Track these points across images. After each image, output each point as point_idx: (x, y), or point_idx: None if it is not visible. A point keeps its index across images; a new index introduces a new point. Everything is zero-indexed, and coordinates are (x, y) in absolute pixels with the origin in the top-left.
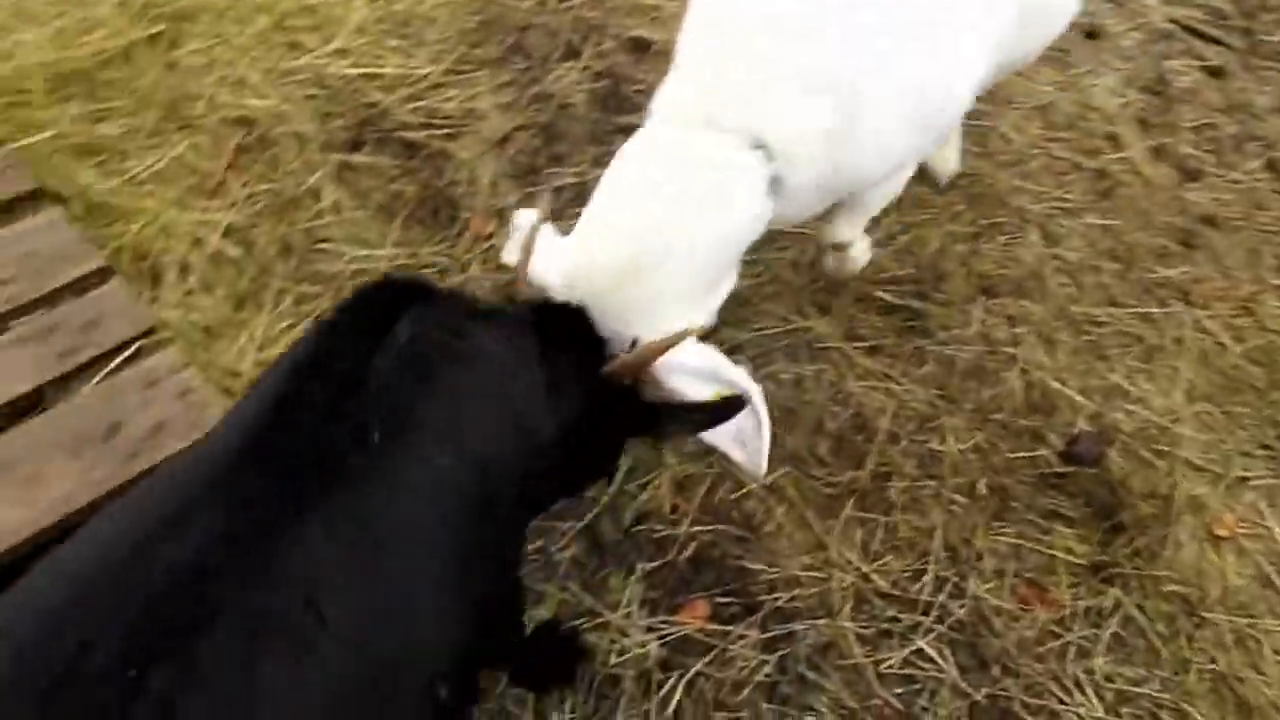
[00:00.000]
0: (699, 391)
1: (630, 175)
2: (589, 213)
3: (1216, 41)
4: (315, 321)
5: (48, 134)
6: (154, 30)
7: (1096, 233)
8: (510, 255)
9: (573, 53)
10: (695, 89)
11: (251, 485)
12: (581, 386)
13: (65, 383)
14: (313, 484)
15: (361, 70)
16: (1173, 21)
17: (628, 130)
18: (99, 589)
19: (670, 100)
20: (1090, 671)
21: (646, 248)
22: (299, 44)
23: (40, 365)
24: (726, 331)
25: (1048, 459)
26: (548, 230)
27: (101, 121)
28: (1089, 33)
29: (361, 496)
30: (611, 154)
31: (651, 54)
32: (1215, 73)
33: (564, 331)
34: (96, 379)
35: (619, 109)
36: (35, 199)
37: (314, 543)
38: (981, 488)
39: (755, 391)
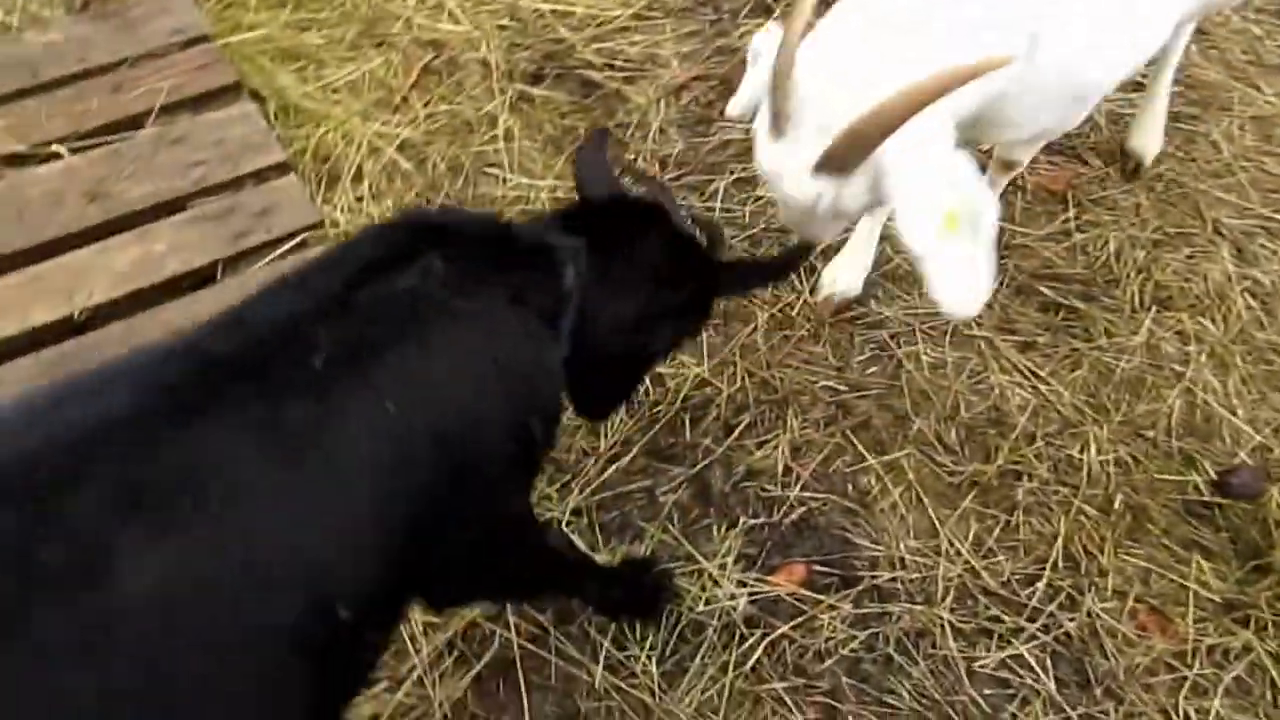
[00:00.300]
0: (923, 196)
1: None
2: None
3: None
4: (333, 245)
5: (256, 34)
6: None
7: None
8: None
9: (764, 8)
10: None
11: (174, 374)
12: (647, 264)
13: (236, 262)
14: (238, 385)
15: (554, 7)
16: None
17: None
18: None
19: None
20: (1204, 712)
21: (876, 71)
22: None
23: (216, 243)
24: (871, 306)
25: (1198, 486)
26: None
27: (306, 31)
28: None
29: (287, 408)
30: None
31: None
32: None
33: (625, 222)
34: (263, 262)
35: None
36: (233, 92)
37: (218, 436)
38: (1118, 504)
39: (993, 215)
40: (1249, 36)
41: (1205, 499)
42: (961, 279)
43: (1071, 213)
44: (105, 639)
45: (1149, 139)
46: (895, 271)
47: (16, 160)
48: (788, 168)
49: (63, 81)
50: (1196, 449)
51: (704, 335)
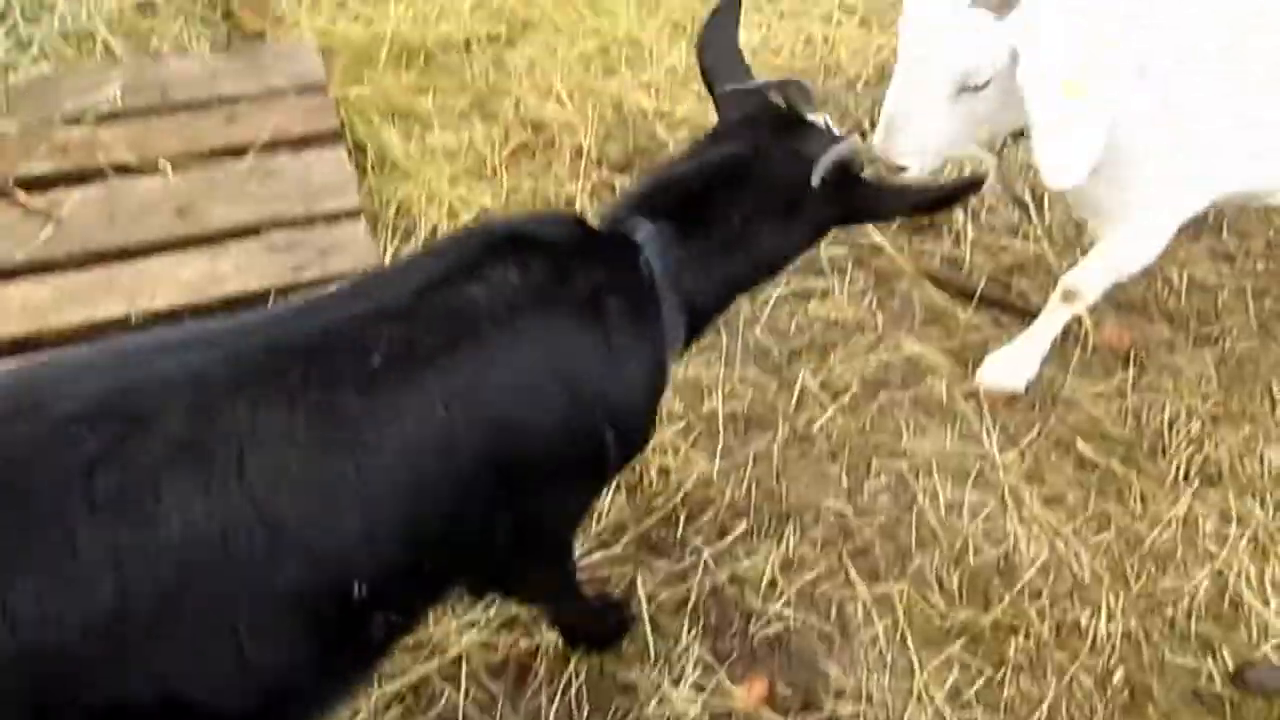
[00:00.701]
0: (1048, 55)
1: None
2: None
3: None
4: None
5: (374, 90)
6: (496, 30)
7: None
8: None
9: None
10: None
11: (246, 347)
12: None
13: (289, 292)
14: (300, 369)
15: (657, 105)
16: None
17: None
18: (88, 366)
19: None
20: None
21: None
22: (613, 69)
23: (277, 271)
24: (906, 441)
25: (1211, 674)
26: None
27: (422, 94)
28: None
29: (340, 397)
30: (855, 240)
31: None
32: None
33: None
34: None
35: None
36: (331, 138)
37: (268, 412)
38: (1117, 678)
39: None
40: None
41: (1217, 690)
42: (1064, 146)
43: (1131, 373)
44: (132, 562)
45: None
46: (929, 398)
47: (124, 169)
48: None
49: (186, 106)
50: (1217, 635)
51: (720, 437)
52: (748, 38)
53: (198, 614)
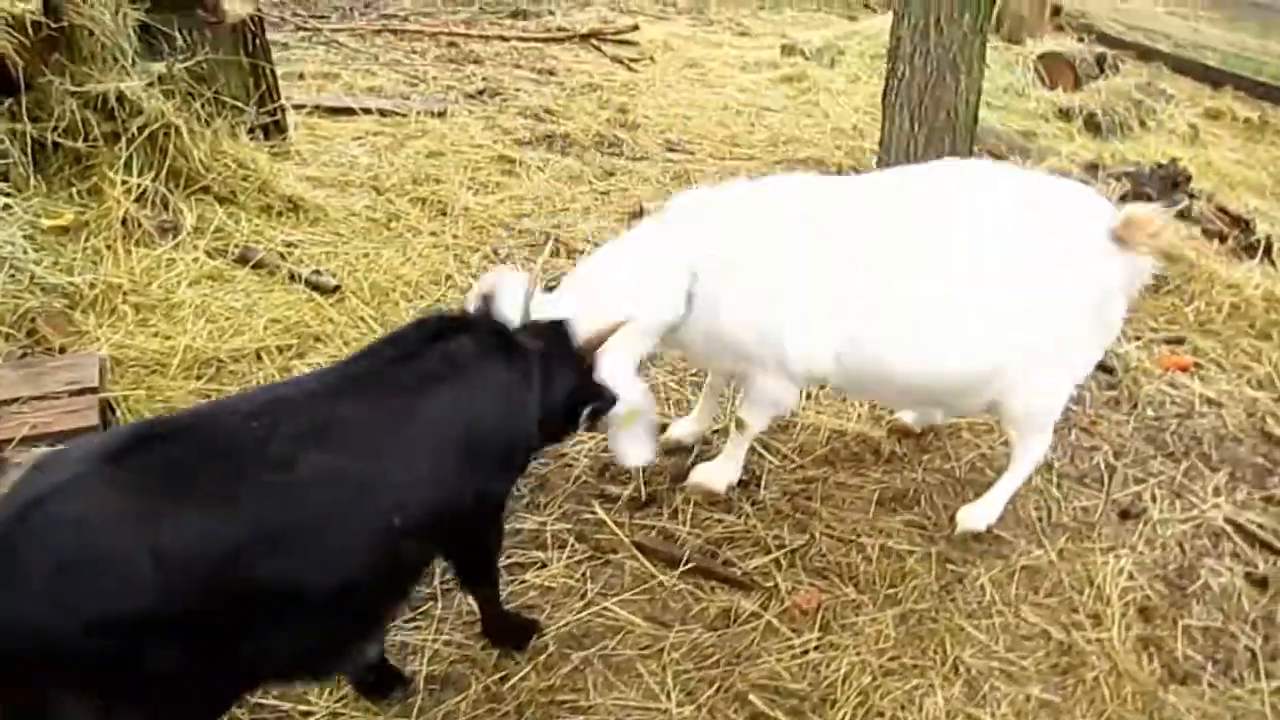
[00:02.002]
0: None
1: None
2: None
3: (1276, 552)
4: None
5: (153, 394)
6: (288, 343)
7: (1034, 706)
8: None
9: None
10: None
11: (335, 373)
12: (566, 375)
13: None
14: (367, 385)
15: None
16: (1230, 522)
17: (608, 498)
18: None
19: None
20: None
21: None
22: None
23: None
24: (593, 697)
25: None
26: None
27: (205, 396)
28: (1124, 512)
29: (389, 400)
30: (582, 516)
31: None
32: (1260, 583)
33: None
34: None
35: (613, 479)
36: (90, 434)
37: (354, 409)
38: None
39: (648, 406)
40: (1047, 497)
41: None
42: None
43: (815, 633)
44: (285, 493)
45: (976, 511)
46: (620, 658)
47: None
48: None
49: None
50: None
51: (417, 698)
52: None
53: (317, 525)
